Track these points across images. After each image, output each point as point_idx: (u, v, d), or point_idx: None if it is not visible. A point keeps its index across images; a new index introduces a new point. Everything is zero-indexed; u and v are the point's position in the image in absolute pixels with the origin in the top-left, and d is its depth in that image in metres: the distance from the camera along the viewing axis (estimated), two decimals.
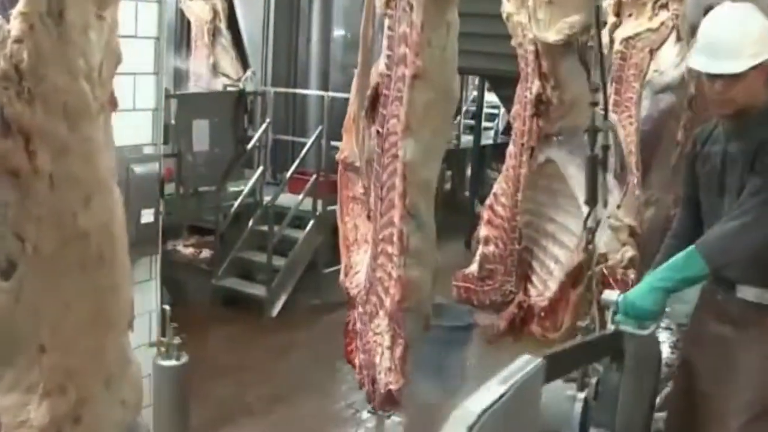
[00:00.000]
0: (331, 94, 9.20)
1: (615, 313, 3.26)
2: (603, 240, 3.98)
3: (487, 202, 4.46)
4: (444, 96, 3.38)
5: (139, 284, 5.60)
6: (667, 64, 5.73)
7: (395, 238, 3.39)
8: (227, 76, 10.00)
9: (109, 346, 2.42)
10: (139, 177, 5.26)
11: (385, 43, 3.44)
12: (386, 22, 3.39)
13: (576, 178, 3.96)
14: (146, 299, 5.66)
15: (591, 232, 3.70)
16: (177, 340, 5.37)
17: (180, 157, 7.96)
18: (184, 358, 5.39)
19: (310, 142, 8.95)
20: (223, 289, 8.70)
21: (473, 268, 4.46)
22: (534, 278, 4.30)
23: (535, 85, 4.03)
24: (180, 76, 10.11)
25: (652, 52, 5.19)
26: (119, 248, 2.38)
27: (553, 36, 3.90)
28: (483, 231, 4.45)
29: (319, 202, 8.79)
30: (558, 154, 4.10)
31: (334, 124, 8.61)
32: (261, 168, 9.02)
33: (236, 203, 8.69)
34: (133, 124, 5.41)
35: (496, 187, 4.43)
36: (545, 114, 4.06)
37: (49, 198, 2.18)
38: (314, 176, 8.80)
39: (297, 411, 6.38)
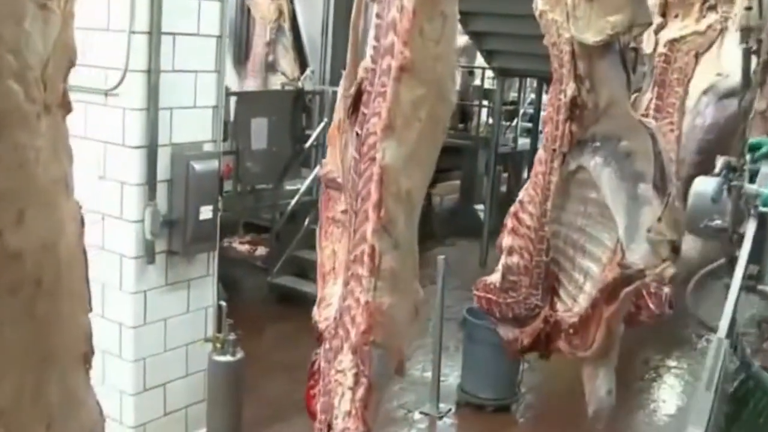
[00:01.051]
0: None
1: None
2: (640, 254, 3.75)
3: (512, 209, 4.22)
4: (435, 95, 2.98)
5: (196, 280, 5.71)
6: (733, 66, 5.56)
7: (365, 256, 2.96)
8: (285, 74, 10.07)
9: (50, 384, 2.03)
10: (199, 174, 5.34)
11: (371, 33, 3.06)
12: (375, 8, 3.03)
13: (609, 187, 3.80)
14: (203, 295, 5.75)
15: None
16: (232, 336, 5.43)
17: (238, 154, 8.02)
18: (239, 354, 5.45)
19: None
20: (278, 286, 8.76)
21: (495, 277, 4.24)
22: (561, 292, 4.08)
23: (570, 88, 3.83)
24: (238, 74, 10.19)
25: (698, 56, 4.95)
26: (67, 271, 2.04)
27: (593, 36, 3.69)
28: (507, 240, 4.21)
29: None
30: (591, 161, 3.90)
31: None
32: (318, 167, 9.03)
33: (293, 202, 8.74)
34: (194, 122, 5.50)
35: (523, 194, 4.20)
36: (579, 118, 3.86)
37: None
38: None
39: None
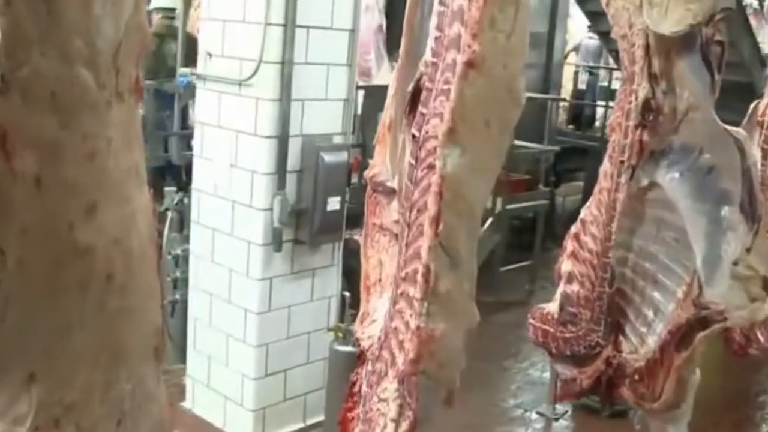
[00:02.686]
0: None
1: None
2: (721, 291, 3.17)
3: (573, 230, 3.64)
4: (505, 97, 2.59)
5: (320, 269, 5.73)
6: None
7: (419, 276, 2.59)
8: None
9: (120, 379, 1.99)
10: (328, 165, 5.36)
11: (433, 21, 2.64)
12: None
13: (687, 207, 3.22)
14: (327, 285, 5.77)
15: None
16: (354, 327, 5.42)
17: (364, 148, 8.02)
18: None
19: None
20: None
21: (553, 307, 3.69)
22: (628, 329, 3.52)
23: (643, 89, 3.25)
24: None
25: None
26: (138, 266, 1.95)
27: (671, 27, 3.10)
28: (566, 265, 3.64)
29: (499, 200, 8.70)
30: (665, 176, 3.30)
31: (518, 123, 8.52)
32: None
33: None
34: (325, 114, 5.52)
35: (585, 213, 3.59)
36: (652, 125, 3.26)
37: (36, 206, 1.74)
38: None
39: (465, 406, 6.31)
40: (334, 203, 5.46)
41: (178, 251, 6.23)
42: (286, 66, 5.12)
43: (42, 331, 1.84)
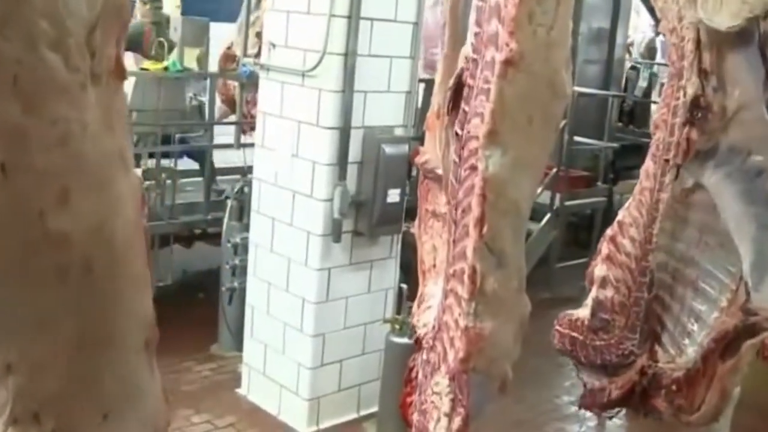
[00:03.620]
0: (576, 88, 9.01)
1: None
2: None
3: (609, 232, 3.42)
4: (548, 90, 2.49)
5: (378, 261, 5.73)
6: None
7: (465, 277, 2.59)
8: None
9: (105, 372, 1.90)
10: (389, 157, 5.35)
11: (472, 16, 2.57)
12: None
13: (734, 211, 3.01)
14: (385, 277, 5.77)
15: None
16: (411, 319, 5.41)
17: (423, 140, 7.99)
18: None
19: None
20: None
21: (583, 313, 3.48)
22: (665, 338, 3.29)
23: (692, 85, 3.02)
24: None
25: None
26: (123, 254, 1.85)
27: (726, 21, 2.87)
28: (600, 269, 3.42)
29: (557, 197, 8.64)
30: (711, 177, 3.08)
31: (578, 120, 8.48)
32: None
33: None
34: (387, 106, 5.51)
35: (623, 215, 3.38)
36: (701, 124, 3.04)
37: (1, 193, 1.64)
38: (554, 170, 8.64)
39: (520, 403, 6.28)
40: (393, 195, 5.44)
41: (238, 239, 6.26)
42: (349, 57, 5.10)
43: (17, 321, 1.77)
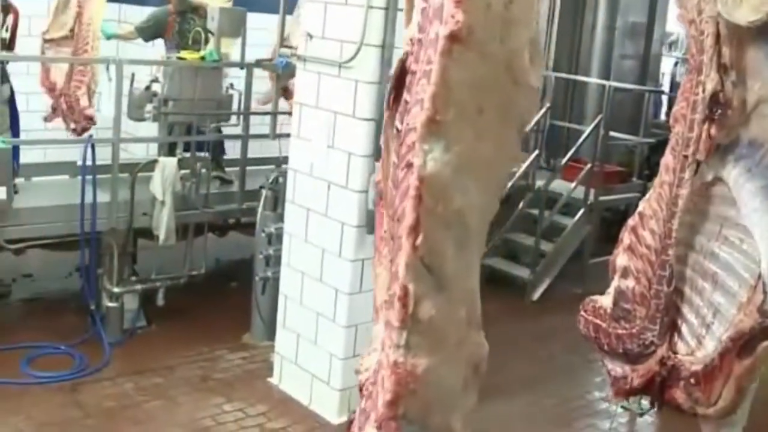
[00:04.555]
0: (613, 83, 8.98)
1: None
2: None
3: (630, 222, 3.51)
4: (505, 78, 2.11)
5: None
6: None
7: (395, 300, 2.14)
8: None
9: None
10: None
11: None
12: None
13: (753, 206, 3.07)
14: None
15: None
16: None
17: None
18: None
19: (588, 130, 8.79)
20: (488, 267, 8.68)
21: (606, 301, 3.56)
22: (684, 330, 3.36)
23: (711, 80, 3.07)
24: None
25: None
26: None
27: (746, 15, 2.88)
28: (622, 259, 3.51)
29: (591, 192, 8.67)
30: (731, 172, 3.15)
31: (614, 115, 8.43)
32: (536, 152, 8.90)
33: (508, 184, 8.60)
34: None
35: (644, 206, 3.47)
36: (720, 119, 3.09)
37: None
38: (589, 165, 8.63)
39: (549, 396, 6.30)
40: None
41: (272, 229, 6.35)
42: (386, 49, 5.15)
43: None
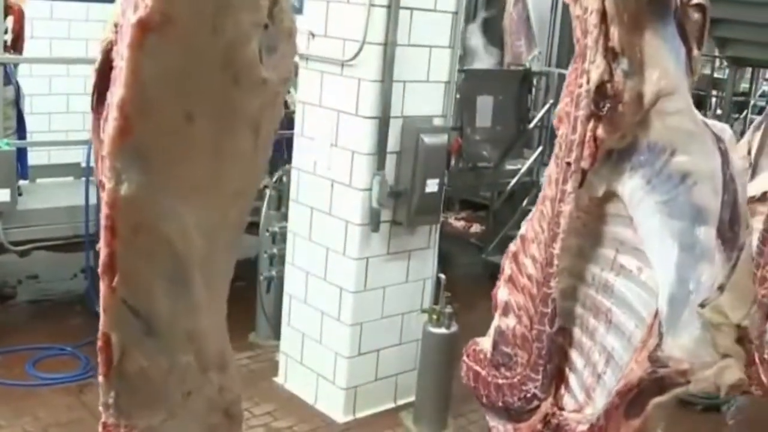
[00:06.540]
0: None
1: None
2: (684, 343, 2.43)
3: (511, 247, 2.94)
4: (222, 77, 1.75)
5: (416, 251, 5.82)
6: None
7: (98, 351, 1.85)
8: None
9: None
10: (428, 147, 5.46)
11: None
12: None
13: (651, 227, 2.49)
14: (423, 266, 5.87)
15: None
16: (449, 309, 5.43)
17: (462, 131, 7.97)
18: (454, 328, 5.47)
19: None
20: (493, 264, 8.69)
21: (487, 344, 3.00)
22: (572, 380, 2.81)
23: (597, 68, 2.45)
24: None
25: None
26: None
27: None
28: (503, 292, 2.90)
29: None
30: (627, 183, 2.56)
31: None
32: (540, 149, 8.92)
33: (512, 181, 8.63)
34: (426, 96, 5.61)
35: (526, 227, 2.84)
36: (609, 116, 2.47)
37: None
38: None
39: None
40: (432, 185, 5.54)
41: (276, 228, 6.49)
42: (389, 47, 5.27)
43: None
